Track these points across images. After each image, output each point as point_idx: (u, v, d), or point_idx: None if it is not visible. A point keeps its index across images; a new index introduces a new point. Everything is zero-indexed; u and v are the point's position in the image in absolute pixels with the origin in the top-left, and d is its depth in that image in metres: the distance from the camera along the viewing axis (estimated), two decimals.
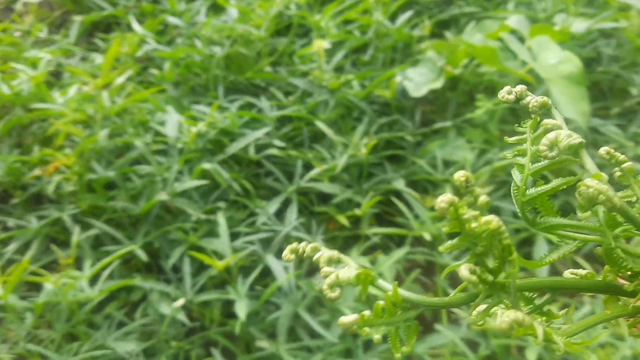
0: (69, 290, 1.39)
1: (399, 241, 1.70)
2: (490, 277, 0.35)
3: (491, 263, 0.35)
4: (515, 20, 1.87)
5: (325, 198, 1.76)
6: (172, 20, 2.27)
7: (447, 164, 1.76)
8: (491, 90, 1.99)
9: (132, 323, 1.44)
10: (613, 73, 2.05)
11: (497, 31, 1.86)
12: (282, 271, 1.47)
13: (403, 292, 0.37)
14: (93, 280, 1.49)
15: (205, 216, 1.63)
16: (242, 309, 1.31)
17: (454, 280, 1.59)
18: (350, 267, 0.39)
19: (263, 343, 1.40)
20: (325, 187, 1.69)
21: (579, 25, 1.94)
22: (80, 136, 1.72)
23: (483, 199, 0.36)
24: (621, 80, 2.03)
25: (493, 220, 0.33)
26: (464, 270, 0.34)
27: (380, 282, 0.40)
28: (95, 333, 1.40)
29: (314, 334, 1.42)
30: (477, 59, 1.84)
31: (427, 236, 1.49)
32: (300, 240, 1.58)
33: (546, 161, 0.38)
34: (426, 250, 1.58)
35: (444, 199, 0.34)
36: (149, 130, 1.87)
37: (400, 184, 1.66)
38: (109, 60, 1.85)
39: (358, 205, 1.68)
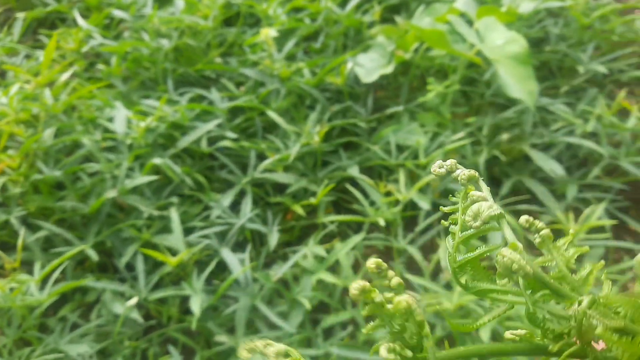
0: (17, 295, 1.34)
1: (357, 228, 1.70)
2: (409, 353, 0.37)
3: (410, 339, 0.37)
4: (463, 2, 1.88)
5: (280, 188, 1.75)
6: (118, 13, 2.21)
7: (401, 148, 1.76)
8: (442, 73, 2.00)
9: (87, 325, 1.41)
10: (561, 52, 2.08)
11: (446, 14, 1.86)
12: (238, 264, 1.45)
13: None
14: (45, 283, 1.45)
15: (158, 212, 1.60)
16: (196, 305, 1.29)
17: (411, 264, 1.60)
18: None
19: (222, 337, 1.38)
20: (280, 177, 1.67)
21: (526, 6, 1.96)
22: (24, 136, 1.67)
23: (395, 280, 0.40)
24: (569, 59, 2.07)
25: (403, 301, 0.36)
26: (383, 350, 0.36)
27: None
28: (48, 337, 1.36)
29: (273, 326, 1.41)
30: (426, 42, 1.85)
31: (382, 222, 1.49)
32: (256, 232, 1.56)
33: (472, 230, 0.42)
34: (383, 235, 1.58)
35: (356, 286, 0.37)
36: (97, 127, 1.83)
37: (354, 171, 1.65)
38: (48, 57, 1.79)
39: (314, 194, 1.67)
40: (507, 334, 0.44)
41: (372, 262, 0.38)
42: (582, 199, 1.68)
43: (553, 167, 1.64)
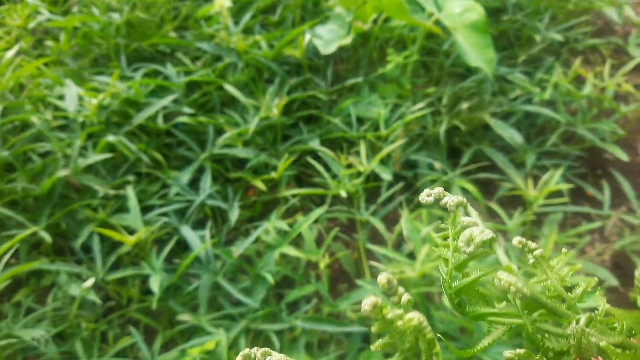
0: None
1: (320, 202, 1.68)
2: None
3: (419, 357, 0.38)
4: None
5: (241, 164, 1.71)
6: None
7: (362, 120, 1.75)
8: (402, 44, 1.98)
9: (43, 309, 1.36)
10: (519, 22, 2.09)
11: None
12: (198, 241, 1.42)
13: None
14: None
15: (114, 191, 1.55)
16: (156, 284, 1.26)
17: (374, 235, 1.60)
18: None
19: (184, 316, 1.36)
20: (240, 152, 1.64)
21: None
22: None
23: (405, 297, 0.40)
24: (526, 29, 2.08)
25: (415, 317, 0.37)
26: None
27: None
28: (0, 323, 1.32)
29: (236, 302, 1.39)
30: (385, 13, 1.82)
31: (343, 194, 1.47)
32: (217, 208, 1.53)
33: (465, 255, 0.43)
34: (345, 208, 1.57)
35: (368, 302, 0.37)
36: (48, 106, 1.75)
37: (315, 144, 1.63)
38: None
39: (275, 168, 1.65)
40: (506, 354, 0.46)
41: (383, 278, 0.39)
42: (540, 166, 1.70)
43: (512, 135, 1.65)
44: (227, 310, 1.35)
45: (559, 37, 1.97)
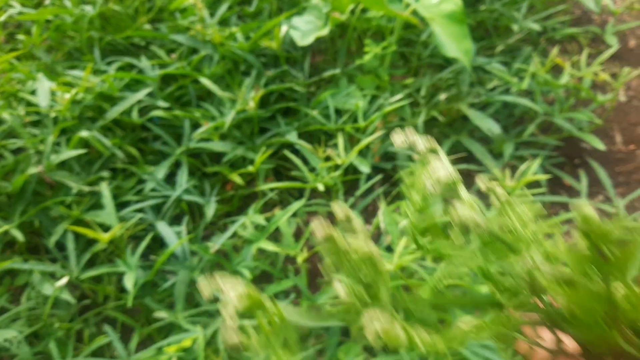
0: None
1: (298, 195, 1.67)
2: (367, 298, 0.38)
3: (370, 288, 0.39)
4: None
5: (217, 158, 1.69)
6: None
7: (340, 112, 1.73)
8: (380, 35, 1.97)
9: (16, 309, 1.34)
10: (496, 11, 2.09)
11: None
12: (175, 237, 1.40)
13: (287, 311, 0.39)
14: None
15: (89, 188, 1.53)
16: (130, 282, 1.24)
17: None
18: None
19: (161, 314, 1.34)
20: (216, 145, 1.62)
21: None
22: None
23: (358, 224, 0.41)
24: (504, 18, 2.07)
25: (366, 246, 0.37)
26: (341, 289, 0.37)
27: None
28: None
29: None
30: (362, 3, 1.81)
31: (321, 187, 1.46)
32: (194, 204, 1.51)
33: (431, 196, 0.43)
34: (324, 201, 1.56)
35: (321, 231, 0.38)
36: (20, 101, 1.72)
37: (293, 137, 1.61)
38: None
39: (252, 162, 1.63)
40: (461, 323, 0.46)
41: (340, 210, 0.39)
42: (518, 156, 1.70)
43: (490, 126, 1.65)
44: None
45: (536, 27, 1.96)
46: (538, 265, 0.36)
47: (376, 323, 0.34)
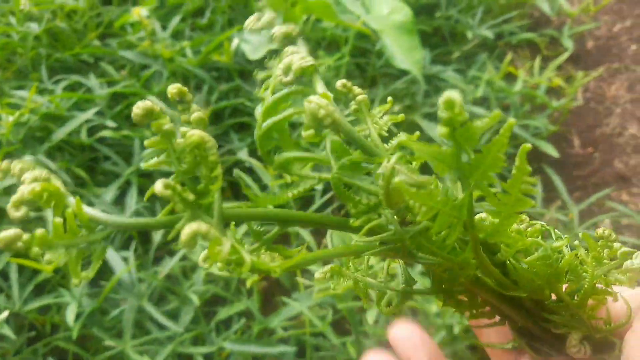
0: None
1: None
2: (191, 197, 0.32)
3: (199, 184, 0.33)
4: None
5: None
6: None
7: (295, 126, 1.71)
8: (335, 45, 1.94)
9: None
10: (452, 18, 2.07)
11: None
12: (121, 263, 1.36)
13: (89, 210, 0.33)
14: None
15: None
16: (72, 314, 1.20)
17: (308, 247, 1.56)
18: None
19: (110, 342, 1.30)
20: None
21: None
22: None
23: (197, 114, 0.35)
24: (460, 25, 2.06)
25: (196, 135, 0.31)
26: (159, 185, 0.31)
27: None
28: None
29: (163, 325, 1.34)
30: (313, 14, 1.78)
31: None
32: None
33: (284, 91, 0.37)
34: None
35: (140, 105, 0.32)
36: None
37: (244, 154, 1.59)
38: None
39: None
40: (317, 275, 0.43)
41: (174, 88, 0.34)
42: None
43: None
44: (154, 335, 1.31)
45: (489, 34, 1.96)
46: (397, 170, 0.31)
47: (193, 225, 0.29)
